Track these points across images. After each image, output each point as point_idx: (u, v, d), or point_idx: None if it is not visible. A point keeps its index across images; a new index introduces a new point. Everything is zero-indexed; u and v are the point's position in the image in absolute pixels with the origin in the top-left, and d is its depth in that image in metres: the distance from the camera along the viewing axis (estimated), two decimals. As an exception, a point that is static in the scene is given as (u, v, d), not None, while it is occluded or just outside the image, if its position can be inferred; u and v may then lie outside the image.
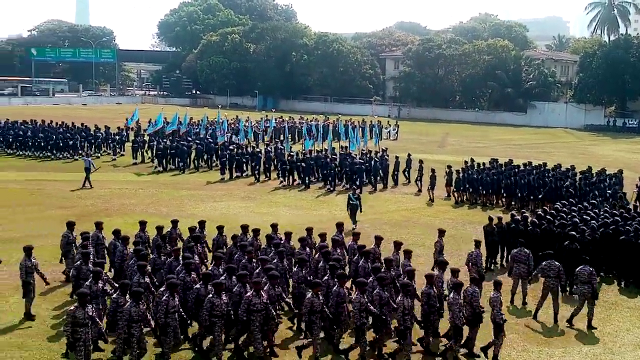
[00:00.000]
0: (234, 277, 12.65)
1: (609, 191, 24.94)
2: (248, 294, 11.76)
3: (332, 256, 13.99)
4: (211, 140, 36.30)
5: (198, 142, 35.72)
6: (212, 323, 11.60)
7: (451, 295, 12.14)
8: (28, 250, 13.68)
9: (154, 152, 34.52)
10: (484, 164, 28.99)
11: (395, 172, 31.23)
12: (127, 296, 11.50)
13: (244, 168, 32.27)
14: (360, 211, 22.46)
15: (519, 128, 68.72)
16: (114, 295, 11.91)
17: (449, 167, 28.10)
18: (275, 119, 46.69)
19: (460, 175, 27.40)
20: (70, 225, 15.67)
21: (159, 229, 15.48)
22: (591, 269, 14.22)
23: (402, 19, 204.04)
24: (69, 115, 52.42)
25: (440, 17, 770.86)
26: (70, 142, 36.76)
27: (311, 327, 11.95)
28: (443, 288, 13.59)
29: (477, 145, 49.80)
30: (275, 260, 13.86)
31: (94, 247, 15.01)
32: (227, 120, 42.59)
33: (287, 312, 13.71)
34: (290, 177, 30.49)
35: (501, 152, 41.24)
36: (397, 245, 14.63)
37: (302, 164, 30.34)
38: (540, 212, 19.55)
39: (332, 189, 29.23)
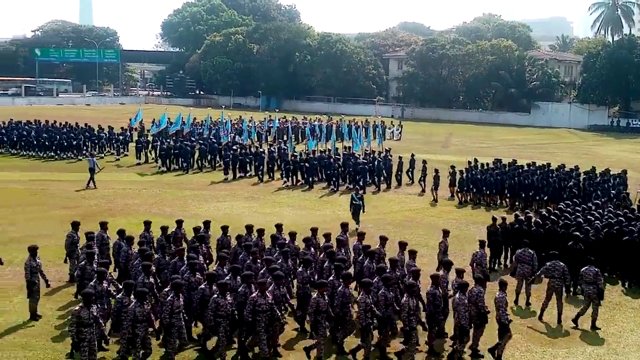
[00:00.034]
0: (238, 277, 12.64)
1: (613, 191, 24.87)
2: (253, 294, 11.73)
3: (337, 256, 13.98)
4: (215, 141, 36.26)
5: (201, 142, 35.61)
6: (217, 323, 11.59)
7: (457, 295, 12.12)
8: (33, 251, 13.70)
9: (158, 152, 34.54)
10: (487, 164, 28.96)
11: (399, 173, 31.22)
12: (132, 296, 11.51)
13: (248, 168, 32.26)
14: (363, 211, 22.45)
15: (522, 128, 68.62)
16: (119, 296, 11.92)
17: (453, 167, 28.04)
18: (279, 119, 46.72)
19: (464, 175, 27.35)
20: (75, 226, 15.73)
21: (164, 229, 15.42)
22: (597, 269, 14.25)
23: (405, 19, 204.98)
24: (72, 116, 52.59)
25: (444, 18, 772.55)
26: (74, 142, 36.80)
27: (317, 327, 11.91)
28: (448, 288, 13.58)
29: (481, 146, 49.73)
30: (280, 261, 13.87)
31: (99, 247, 15.08)
32: (231, 121, 42.50)
33: (291, 312, 13.68)
34: (294, 177, 30.48)
35: (505, 153, 41.12)
36: (402, 245, 14.62)
37: (306, 164, 30.28)
38: (544, 213, 19.54)
39: (335, 189, 29.21)
